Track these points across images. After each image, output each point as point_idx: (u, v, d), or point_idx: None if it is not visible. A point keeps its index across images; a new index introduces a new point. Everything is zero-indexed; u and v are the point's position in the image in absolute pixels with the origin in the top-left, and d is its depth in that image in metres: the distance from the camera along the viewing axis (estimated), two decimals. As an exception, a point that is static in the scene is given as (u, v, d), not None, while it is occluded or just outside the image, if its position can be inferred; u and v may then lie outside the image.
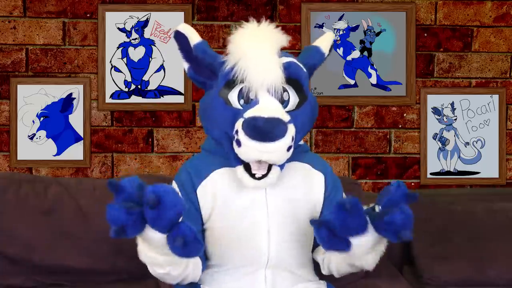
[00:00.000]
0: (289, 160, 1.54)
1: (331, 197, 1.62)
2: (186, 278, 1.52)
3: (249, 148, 1.43)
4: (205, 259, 1.60)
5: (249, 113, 1.45)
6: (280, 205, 1.56)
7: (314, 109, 1.60)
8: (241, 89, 1.49)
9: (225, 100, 1.50)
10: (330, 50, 1.67)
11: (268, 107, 1.45)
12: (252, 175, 1.48)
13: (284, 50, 1.58)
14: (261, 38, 1.49)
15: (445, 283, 2.18)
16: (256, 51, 1.47)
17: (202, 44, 1.55)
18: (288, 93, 1.52)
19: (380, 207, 1.41)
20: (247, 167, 1.48)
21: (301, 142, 1.69)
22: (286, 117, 1.45)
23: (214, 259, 1.60)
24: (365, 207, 1.43)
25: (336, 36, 2.72)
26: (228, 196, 1.56)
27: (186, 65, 1.60)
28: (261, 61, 1.46)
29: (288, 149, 1.45)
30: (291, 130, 1.45)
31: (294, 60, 1.56)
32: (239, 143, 1.44)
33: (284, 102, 1.51)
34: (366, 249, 1.43)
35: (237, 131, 1.45)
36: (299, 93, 1.53)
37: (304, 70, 1.57)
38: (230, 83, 1.50)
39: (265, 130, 1.40)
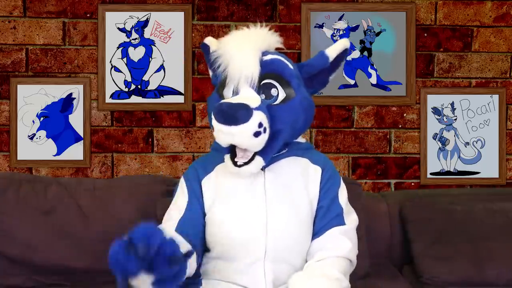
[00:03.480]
0: (289, 155, 1.67)
1: (325, 188, 1.67)
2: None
3: (218, 132, 1.52)
4: (206, 251, 1.66)
5: (222, 101, 1.56)
6: (278, 197, 1.61)
7: (307, 108, 1.66)
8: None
9: (221, 96, 1.63)
10: (341, 56, 1.70)
11: (241, 96, 1.55)
12: (235, 163, 1.56)
13: (283, 51, 1.60)
14: (245, 38, 1.62)
15: (445, 283, 2.17)
16: (237, 49, 1.59)
17: (205, 47, 1.74)
18: (277, 89, 1.60)
19: None
20: (233, 155, 1.57)
21: (303, 140, 1.75)
22: (254, 104, 1.52)
23: (215, 251, 1.64)
24: None
25: (336, 36, 2.71)
26: (229, 188, 1.64)
27: (210, 74, 1.76)
28: (239, 57, 1.57)
29: (256, 135, 1.51)
30: (258, 116, 1.51)
31: (280, 57, 1.64)
32: (213, 128, 1.54)
33: (272, 98, 1.60)
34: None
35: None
36: (286, 89, 1.61)
37: (291, 67, 1.64)
38: (224, 81, 1.62)
39: (227, 113, 1.49)
